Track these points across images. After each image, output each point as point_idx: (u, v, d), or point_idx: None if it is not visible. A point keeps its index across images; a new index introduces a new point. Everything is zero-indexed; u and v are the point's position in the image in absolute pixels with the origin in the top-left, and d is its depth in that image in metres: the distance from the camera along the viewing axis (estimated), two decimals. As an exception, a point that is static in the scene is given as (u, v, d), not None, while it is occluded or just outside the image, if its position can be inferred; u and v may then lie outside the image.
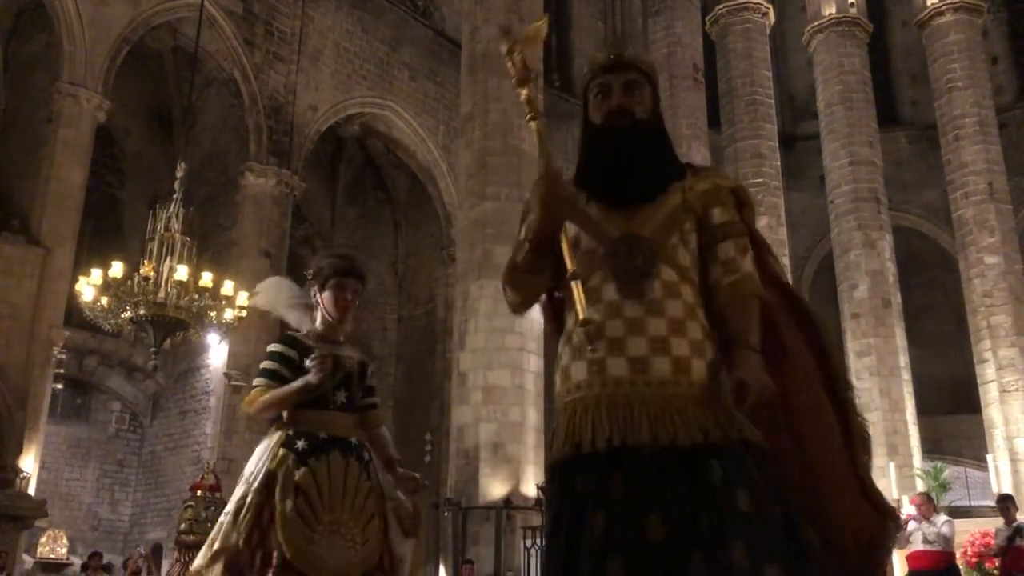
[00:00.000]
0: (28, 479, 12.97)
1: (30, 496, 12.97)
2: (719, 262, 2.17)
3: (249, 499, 2.91)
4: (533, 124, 2.29)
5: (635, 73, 2.31)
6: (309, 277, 3.25)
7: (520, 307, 2.37)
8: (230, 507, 2.96)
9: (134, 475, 18.65)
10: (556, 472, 2.08)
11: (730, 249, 2.18)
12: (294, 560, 2.81)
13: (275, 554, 2.83)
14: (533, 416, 12.72)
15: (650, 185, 2.20)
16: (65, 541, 16.06)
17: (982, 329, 17.67)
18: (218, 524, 2.95)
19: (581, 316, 2.03)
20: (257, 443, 3.16)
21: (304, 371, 3.02)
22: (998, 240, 18.01)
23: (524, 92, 2.30)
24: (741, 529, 1.84)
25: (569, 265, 2.10)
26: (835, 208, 19.08)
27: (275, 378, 3.05)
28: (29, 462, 13.10)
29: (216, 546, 2.87)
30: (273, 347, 3.16)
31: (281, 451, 2.99)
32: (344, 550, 2.91)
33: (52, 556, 15.62)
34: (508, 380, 12.65)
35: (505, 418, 12.45)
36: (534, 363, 13.01)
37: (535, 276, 2.27)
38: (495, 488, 12.13)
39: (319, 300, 3.20)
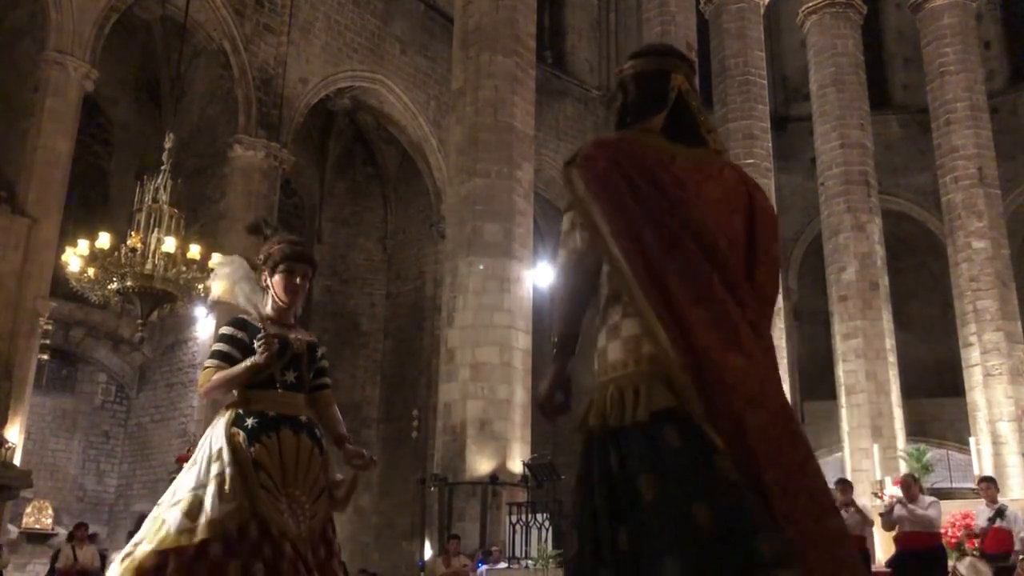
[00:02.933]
0: (13, 449, 12.94)
1: (15, 466, 12.95)
2: None
3: (229, 472, 2.95)
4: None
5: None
6: (260, 262, 3.33)
7: None
8: (204, 486, 2.96)
9: (120, 447, 18.63)
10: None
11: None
12: (279, 531, 2.92)
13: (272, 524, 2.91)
14: (520, 393, 12.76)
15: None
16: (50, 512, 16.09)
17: (968, 313, 17.77)
18: (188, 500, 2.93)
19: None
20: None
21: (254, 352, 3.10)
22: (986, 225, 18.08)
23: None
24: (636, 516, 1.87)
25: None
26: (825, 190, 19.10)
27: (225, 359, 3.13)
28: (14, 432, 13.06)
29: (209, 516, 2.87)
30: (224, 329, 3.23)
31: (232, 429, 3.06)
32: (299, 522, 3.01)
33: (37, 526, 15.66)
34: (496, 357, 12.67)
35: (492, 395, 12.49)
36: (522, 340, 13.03)
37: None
38: (481, 464, 12.18)
39: (269, 284, 3.30)
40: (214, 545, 2.82)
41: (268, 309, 3.29)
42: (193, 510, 2.89)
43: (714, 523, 1.75)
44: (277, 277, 3.27)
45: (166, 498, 3.02)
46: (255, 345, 3.07)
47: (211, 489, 2.93)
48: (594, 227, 2.05)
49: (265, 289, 3.32)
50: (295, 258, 3.27)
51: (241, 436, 3.03)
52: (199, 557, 2.80)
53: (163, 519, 2.92)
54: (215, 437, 3.07)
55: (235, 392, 3.15)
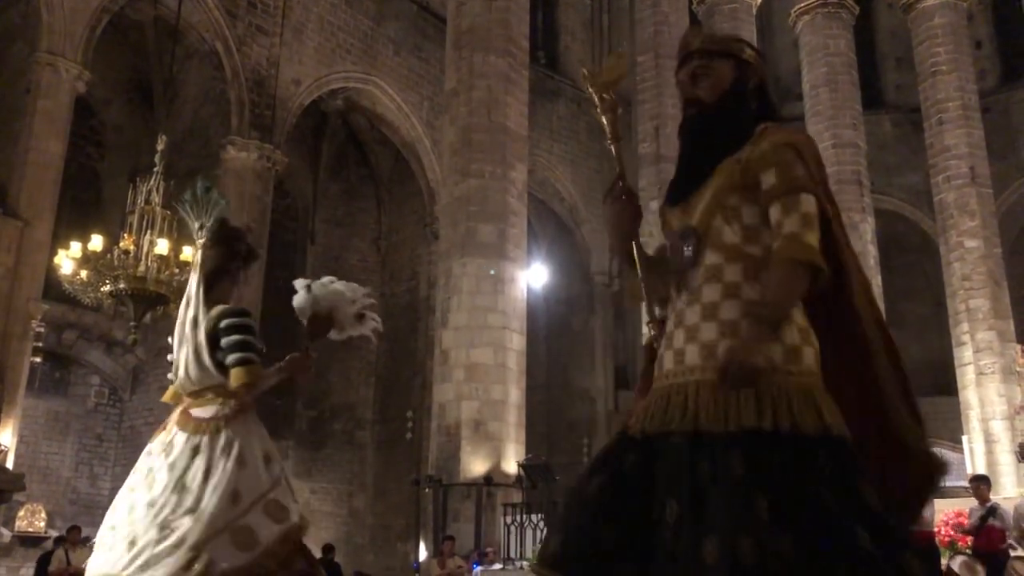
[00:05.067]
0: (6, 452, 12.90)
1: (8, 469, 12.91)
2: (772, 228, 2.06)
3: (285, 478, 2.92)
4: (614, 147, 2.40)
5: (700, 59, 2.27)
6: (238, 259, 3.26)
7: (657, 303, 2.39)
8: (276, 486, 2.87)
9: (113, 449, 18.58)
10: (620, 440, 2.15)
11: (776, 212, 2.05)
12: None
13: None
14: (515, 394, 12.76)
15: (701, 171, 2.17)
16: (43, 515, 16.02)
17: (960, 312, 17.83)
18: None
19: (647, 319, 2.21)
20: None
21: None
22: (978, 224, 18.14)
23: (607, 119, 2.40)
24: (705, 527, 1.83)
25: (639, 273, 2.28)
26: (818, 190, 19.13)
27: (259, 354, 2.96)
28: (7, 436, 13.02)
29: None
30: (244, 320, 2.98)
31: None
32: None
33: (30, 530, 15.58)
34: (490, 358, 12.66)
35: (487, 396, 12.48)
36: (516, 341, 13.03)
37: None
38: (476, 465, 12.17)
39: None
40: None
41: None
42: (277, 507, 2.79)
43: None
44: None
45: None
46: (292, 356, 3.05)
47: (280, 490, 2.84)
48: (829, 230, 2.11)
49: (239, 284, 3.31)
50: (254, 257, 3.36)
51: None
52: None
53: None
54: (258, 439, 2.90)
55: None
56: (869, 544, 1.79)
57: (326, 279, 3.27)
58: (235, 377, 2.87)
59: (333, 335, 3.24)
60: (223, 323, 2.93)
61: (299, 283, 3.22)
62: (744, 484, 1.82)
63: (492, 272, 12.90)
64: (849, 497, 1.85)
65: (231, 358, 2.89)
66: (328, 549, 13.57)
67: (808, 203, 2.05)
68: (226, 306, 3.02)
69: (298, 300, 3.17)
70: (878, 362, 2.12)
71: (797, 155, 2.10)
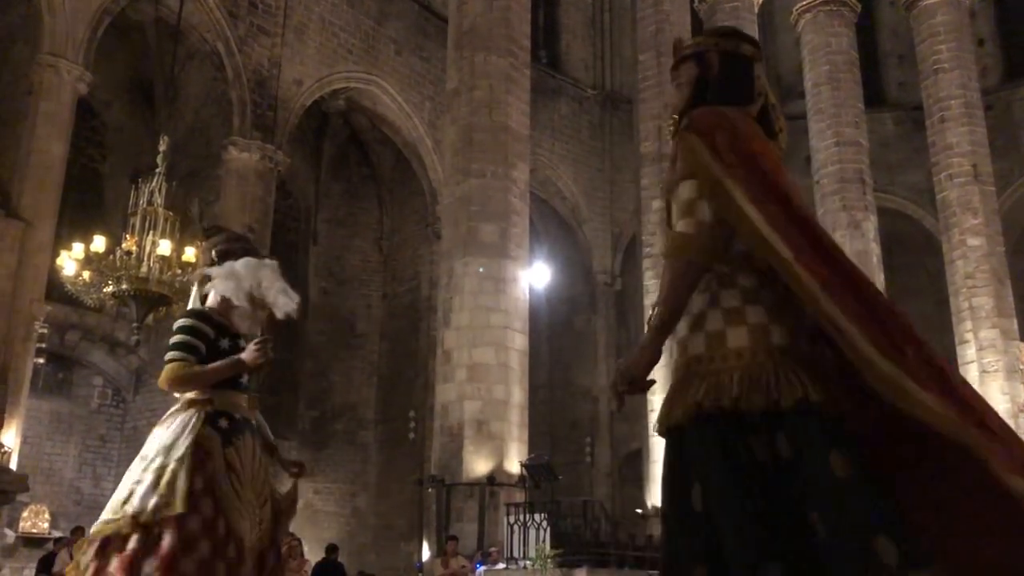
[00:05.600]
0: (10, 453, 12.91)
1: (11, 471, 12.92)
2: None
3: (172, 467, 2.83)
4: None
5: (673, 70, 2.32)
6: (215, 259, 3.25)
7: None
8: (143, 476, 2.87)
9: (117, 450, 18.59)
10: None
11: (676, 211, 2.11)
12: (243, 535, 2.84)
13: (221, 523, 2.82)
14: (517, 394, 12.76)
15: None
16: (47, 516, 16.05)
17: (964, 310, 17.80)
18: (129, 489, 2.84)
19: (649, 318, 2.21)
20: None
21: (218, 348, 3.03)
22: (981, 222, 18.12)
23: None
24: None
25: None
26: (820, 188, 19.13)
27: (194, 352, 3.01)
28: (11, 436, 13.03)
29: (131, 509, 2.78)
30: (187, 321, 3.09)
31: (206, 429, 2.94)
32: (252, 527, 2.93)
33: (34, 530, 15.61)
34: (492, 358, 12.66)
35: (489, 396, 12.48)
36: (519, 341, 13.03)
37: None
38: (479, 465, 12.17)
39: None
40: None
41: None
42: (118, 501, 2.83)
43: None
44: None
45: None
46: (251, 345, 3.00)
47: (141, 483, 2.84)
48: (726, 196, 2.01)
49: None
50: (246, 254, 3.25)
51: (218, 438, 2.93)
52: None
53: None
54: (170, 431, 2.94)
55: (201, 390, 3.02)
56: (824, 531, 1.80)
57: (241, 265, 3.26)
58: (160, 377, 3.05)
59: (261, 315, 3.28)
60: (174, 327, 3.11)
61: (273, 292, 3.22)
62: (666, 477, 2.04)
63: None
64: (799, 473, 1.86)
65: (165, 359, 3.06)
66: (332, 549, 13.58)
67: (685, 190, 2.09)
68: (186, 310, 3.22)
69: (288, 306, 3.20)
70: (821, 307, 1.89)
71: (687, 144, 2.11)
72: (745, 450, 1.93)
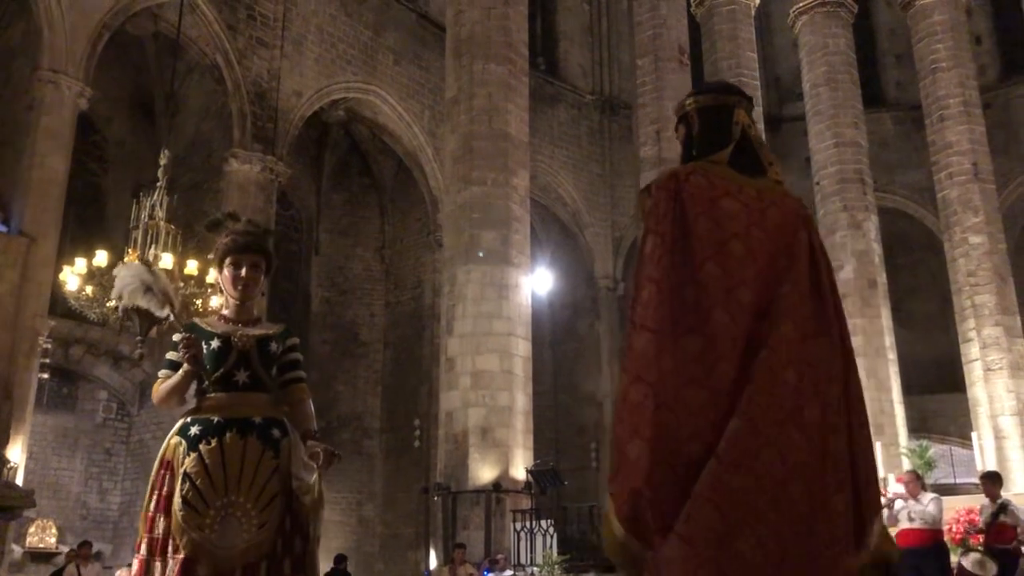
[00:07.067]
0: (15, 469, 12.91)
1: (18, 486, 12.92)
2: None
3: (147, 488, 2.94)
4: None
5: (676, 131, 2.48)
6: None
7: None
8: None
9: (122, 464, 18.61)
10: None
11: None
12: (184, 550, 2.77)
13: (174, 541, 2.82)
14: (522, 400, 12.76)
15: None
16: (54, 530, 16.05)
17: (966, 309, 17.79)
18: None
19: None
20: None
21: (210, 349, 3.03)
22: (982, 220, 18.11)
23: None
24: None
25: None
26: (821, 189, 19.14)
27: (175, 367, 3.02)
28: (16, 452, 13.04)
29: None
30: (175, 336, 3.09)
31: (174, 439, 2.96)
32: (236, 533, 2.82)
33: (41, 546, 15.61)
34: (496, 365, 12.67)
35: (494, 403, 12.48)
36: (522, 348, 13.04)
37: None
38: (484, 472, 12.17)
39: (219, 281, 3.23)
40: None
41: (224, 309, 3.21)
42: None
43: None
44: (224, 272, 3.17)
45: None
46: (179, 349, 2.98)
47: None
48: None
49: (219, 286, 3.26)
50: (240, 250, 3.16)
51: (182, 446, 2.92)
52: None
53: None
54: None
55: (182, 401, 3.06)
56: None
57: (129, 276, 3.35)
58: None
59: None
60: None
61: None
62: None
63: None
64: None
65: None
66: (340, 559, 13.58)
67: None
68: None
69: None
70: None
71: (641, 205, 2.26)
72: None
